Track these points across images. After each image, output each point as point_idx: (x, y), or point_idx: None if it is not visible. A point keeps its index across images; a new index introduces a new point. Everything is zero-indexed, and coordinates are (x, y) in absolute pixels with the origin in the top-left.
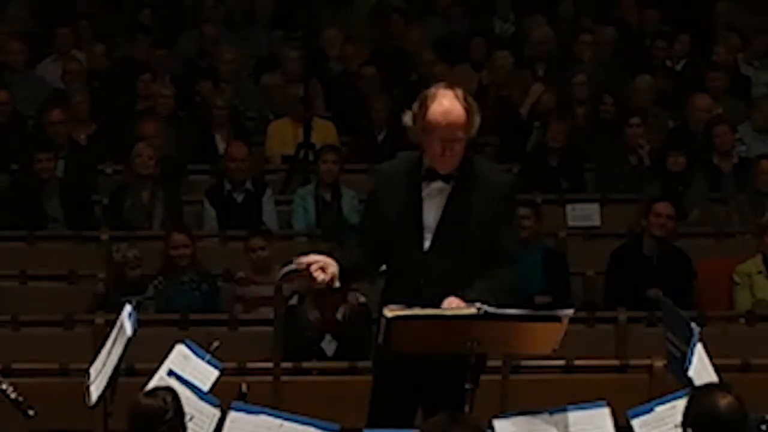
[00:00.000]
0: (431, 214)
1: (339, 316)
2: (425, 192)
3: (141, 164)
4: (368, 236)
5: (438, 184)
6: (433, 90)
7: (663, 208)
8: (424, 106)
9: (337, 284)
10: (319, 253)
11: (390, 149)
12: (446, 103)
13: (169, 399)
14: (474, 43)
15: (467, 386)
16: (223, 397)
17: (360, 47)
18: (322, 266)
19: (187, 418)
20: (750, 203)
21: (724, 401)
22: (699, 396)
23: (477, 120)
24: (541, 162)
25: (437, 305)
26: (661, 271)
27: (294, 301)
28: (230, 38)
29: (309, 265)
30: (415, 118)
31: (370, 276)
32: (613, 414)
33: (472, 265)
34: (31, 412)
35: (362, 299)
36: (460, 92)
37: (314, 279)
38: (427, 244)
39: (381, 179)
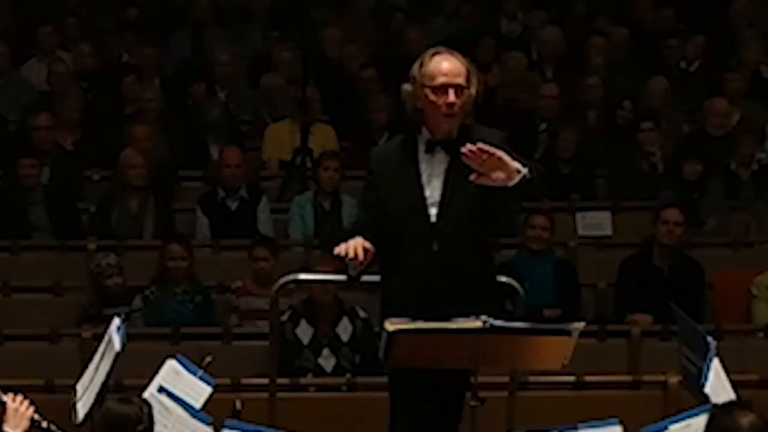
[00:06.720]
0: (435, 186)
1: (342, 333)
2: (426, 166)
3: (131, 175)
4: (371, 214)
5: (440, 156)
6: (432, 50)
7: (670, 214)
8: (424, 64)
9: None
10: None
11: None
12: (446, 56)
13: (145, 410)
14: (481, 43)
15: (472, 403)
16: (216, 414)
17: (360, 48)
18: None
19: None
20: None
21: (746, 420)
22: (720, 414)
23: (476, 81)
24: (551, 168)
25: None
26: (672, 282)
27: (285, 317)
28: (224, 38)
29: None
30: (413, 81)
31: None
32: None
33: (479, 234)
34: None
35: (363, 314)
36: (458, 54)
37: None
38: (433, 216)
39: (376, 160)
